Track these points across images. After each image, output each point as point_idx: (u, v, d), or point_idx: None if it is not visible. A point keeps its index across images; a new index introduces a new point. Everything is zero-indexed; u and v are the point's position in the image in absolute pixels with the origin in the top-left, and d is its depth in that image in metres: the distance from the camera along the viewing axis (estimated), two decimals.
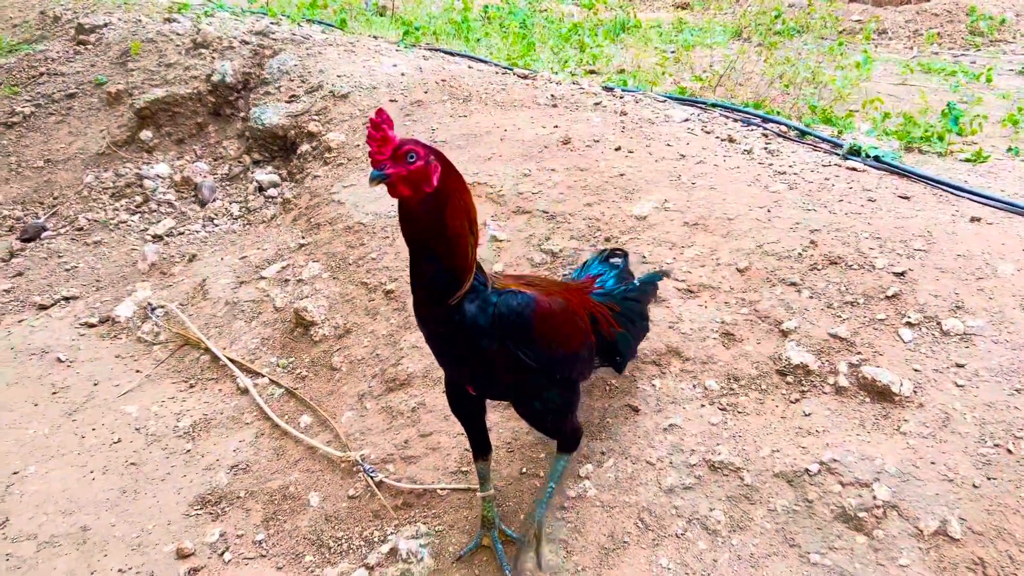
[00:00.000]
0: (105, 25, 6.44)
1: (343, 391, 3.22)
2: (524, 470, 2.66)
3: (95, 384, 3.63)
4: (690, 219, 3.40)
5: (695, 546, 2.32)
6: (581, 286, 2.56)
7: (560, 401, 2.26)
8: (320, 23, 7.06)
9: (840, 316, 2.81)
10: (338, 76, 5.31)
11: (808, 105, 5.68)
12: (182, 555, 2.67)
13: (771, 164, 3.92)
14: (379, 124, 1.76)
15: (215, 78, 5.57)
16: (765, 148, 4.20)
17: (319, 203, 4.39)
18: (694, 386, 2.75)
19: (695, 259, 3.19)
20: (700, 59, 7.38)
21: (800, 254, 3.07)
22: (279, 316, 3.73)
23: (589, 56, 7.19)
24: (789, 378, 2.69)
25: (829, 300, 2.87)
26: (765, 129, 4.66)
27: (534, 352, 2.06)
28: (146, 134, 5.50)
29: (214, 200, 5.08)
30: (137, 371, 3.71)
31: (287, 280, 3.92)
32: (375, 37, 6.75)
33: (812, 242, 3.10)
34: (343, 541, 2.62)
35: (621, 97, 5.13)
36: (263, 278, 4.02)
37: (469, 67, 5.76)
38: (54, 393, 3.57)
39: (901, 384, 2.53)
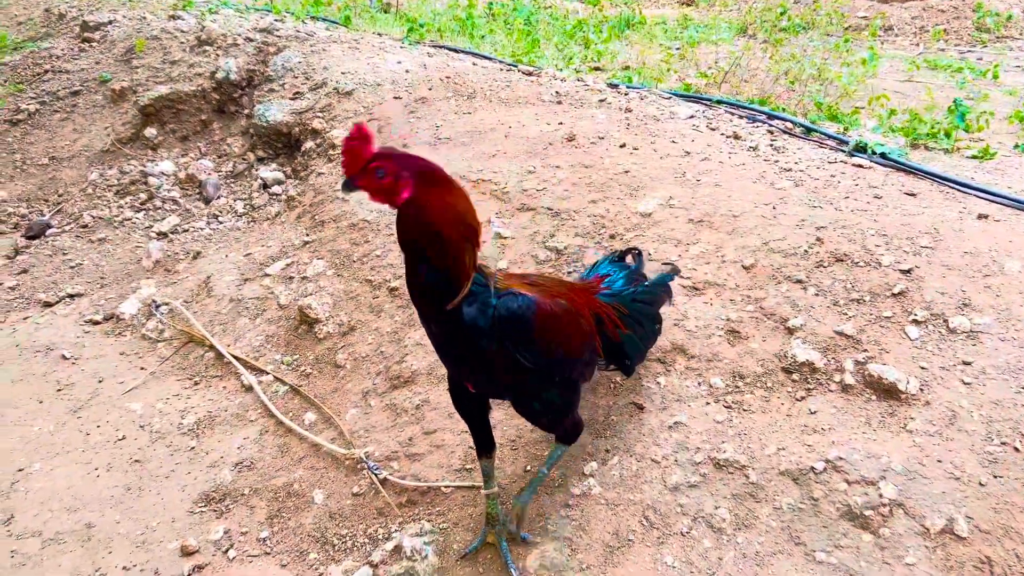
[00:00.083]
0: (110, 22, 6.44)
1: (347, 388, 3.22)
2: (528, 468, 2.66)
3: (100, 381, 3.63)
4: (695, 216, 3.38)
5: (700, 544, 2.32)
6: (587, 286, 2.55)
7: (560, 401, 2.26)
8: (324, 20, 7.07)
9: (846, 313, 2.80)
10: (342, 73, 5.31)
11: (814, 102, 5.66)
12: (186, 552, 2.67)
13: (777, 161, 3.90)
14: (353, 138, 1.83)
15: (219, 75, 5.57)
16: (771, 145, 4.18)
17: (323, 200, 4.38)
18: (699, 384, 2.74)
19: (700, 256, 3.18)
20: (705, 56, 7.36)
21: (806, 251, 3.05)
22: (283, 313, 3.73)
23: (594, 53, 7.18)
24: (795, 376, 2.68)
25: (835, 297, 2.86)
26: (770, 126, 4.64)
27: (533, 354, 2.06)
28: (150, 131, 5.50)
29: (218, 197, 5.08)
30: (142, 368, 3.72)
31: (291, 277, 3.92)
32: (379, 34, 6.75)
33: (818, 239, 3.08)
34: (347, 538, 2.61)
35: (626, 94, 5.11)
36: (267, 275, 4.02)
37: (473, 64, 5.75)
38: (59, 390, 3.58)
39: (907, 382, 2.52)
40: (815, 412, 2.55)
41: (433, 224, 1.86)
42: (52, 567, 2.66)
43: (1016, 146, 4.78)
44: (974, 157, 4.33)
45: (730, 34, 8.81)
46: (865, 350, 2.67)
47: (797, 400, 2.62)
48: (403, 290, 3.46)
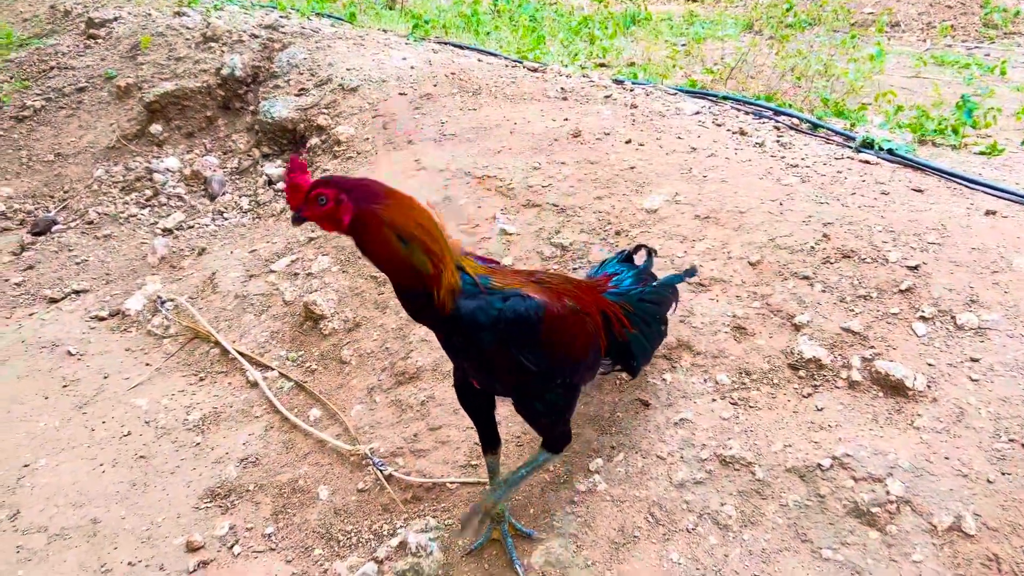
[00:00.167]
0: (115, 19, 6.45)
1: (352, 384, 3.22)
2: None
3: (105, 377, 3.63)
4: (701, 212, 3.37)
5: (706, 541, 2.31)
6: (593, 284, 2.54)
7: (562, 403, 2.25)
8: (329, 16, 7.06)
9: (853, 310, 2.79)
10: (347, 69, 5.30)
11: (820, 98, 5.64)
12: (192, 548, 2.67)
13: (783, 157, 3.89)
14: (291, 170, 1.85)
15: (224, 72, 5.57)
16: (777, 141, 4.17)
17: None
18: (705, 380, 2.73)
19: (706, 252, 3.17)
20: (711, 52, 7.35)
21: (813, 247, 3.04)
22: (288, 309, 3.73)
23: (599, 49, 7.16)
24: (801, 372, 2.66)
25: (842, 294, 2.85)
26: (777, 122, 4.62)
27: (537, 356, 2.05)
28: (156, 128, 5.50)
29: (224, 194, 5.08)
30: (147, 364, 3.72)
31: (296, 274, 3.92)
32: (385, 31, 6.74)
33: (825, 235, 3.07)
34: (352, 534, 2.61)
35: (632, 90, 5.10)
36: (273, 271, 4.02)
37: (479, 60, 5.74)
38: (64, 386, 3.58)
39: (915, 378, 2.51)
40: (822, 409, 2.54)
41: (375, 241, 1.85)
42: (58, 562, 2.67)
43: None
44: (981, 153, 4.31)
45: (736, 30, 8.79)
46: (872, 347, 2.65)
47: (804, 397, 2.61)
48: None
